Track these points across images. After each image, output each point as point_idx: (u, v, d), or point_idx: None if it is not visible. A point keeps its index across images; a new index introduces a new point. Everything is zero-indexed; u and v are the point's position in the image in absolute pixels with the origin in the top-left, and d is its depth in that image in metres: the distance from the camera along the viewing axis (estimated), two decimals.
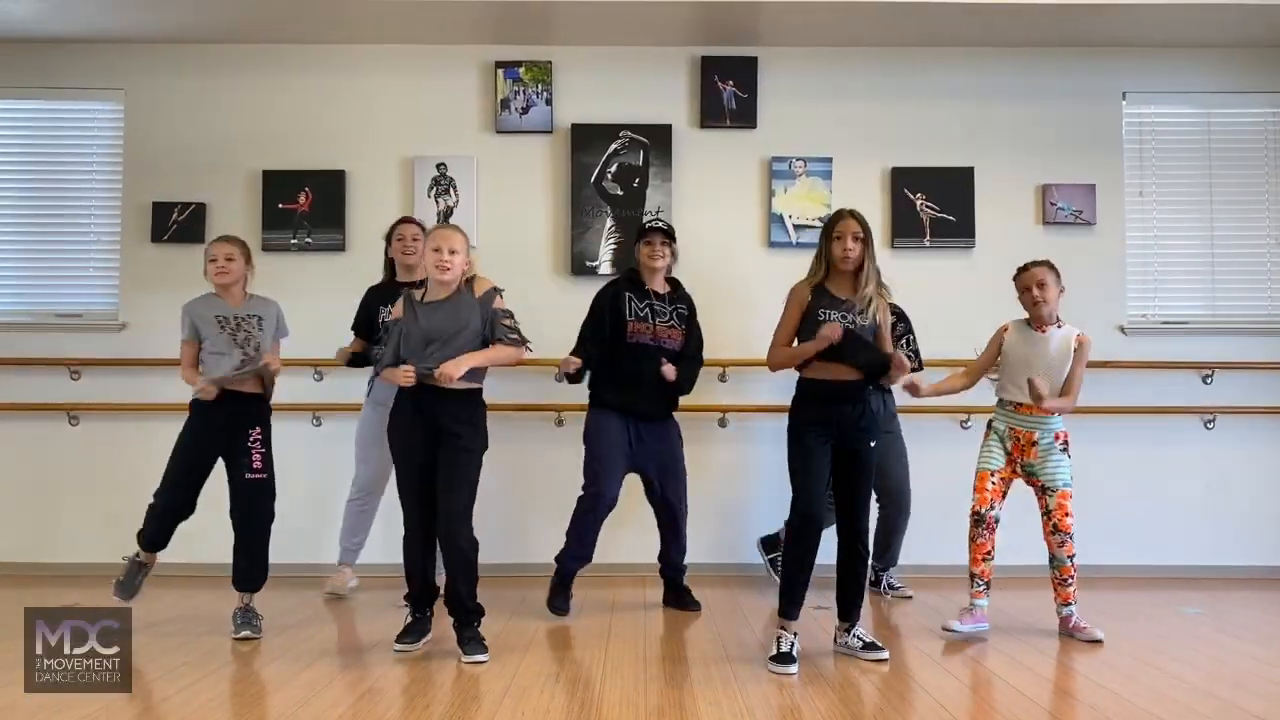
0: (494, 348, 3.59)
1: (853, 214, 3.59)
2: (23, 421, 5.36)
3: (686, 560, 4.55)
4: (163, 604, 4.34)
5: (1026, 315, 4.08)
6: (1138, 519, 5.37)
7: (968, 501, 4.02)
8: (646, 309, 4.38)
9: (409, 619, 3.70)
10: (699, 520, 4.75)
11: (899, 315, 4.63)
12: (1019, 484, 4.06)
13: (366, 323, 4.62)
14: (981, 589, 3.98)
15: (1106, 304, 5.44)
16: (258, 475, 3.90)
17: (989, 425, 4.11)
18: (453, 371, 3.44)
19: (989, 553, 3.98)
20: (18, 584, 4.89)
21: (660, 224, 4.50)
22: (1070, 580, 3.93)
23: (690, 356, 4.46)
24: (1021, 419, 4.00)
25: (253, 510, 3.90)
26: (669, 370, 4.29)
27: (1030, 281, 4.00)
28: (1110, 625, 3.95)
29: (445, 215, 5.40)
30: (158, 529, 3.92)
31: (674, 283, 4.55)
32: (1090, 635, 3.86)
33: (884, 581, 4.78)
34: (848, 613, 3.62)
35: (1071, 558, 3.93)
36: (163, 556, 4.06)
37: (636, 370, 4.31)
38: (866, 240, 3.56)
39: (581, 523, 4.30)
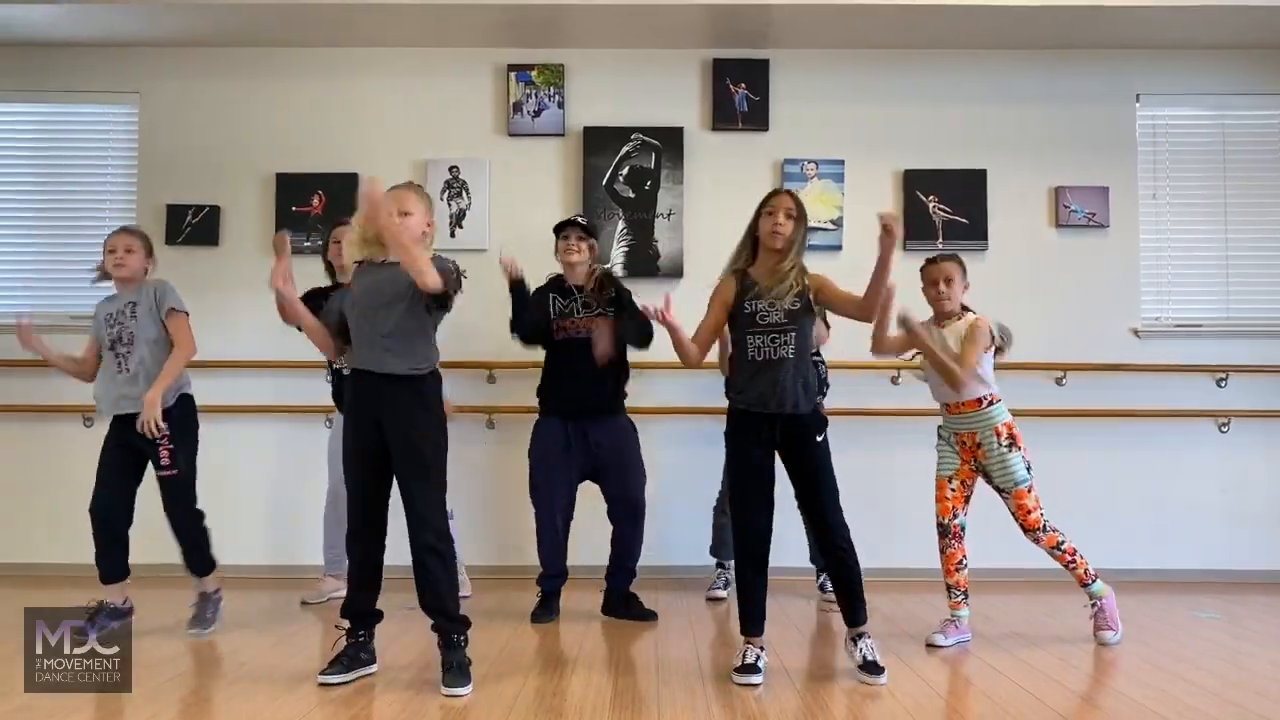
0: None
1: (789, 192, 3.41)
2: (38, 423, 5.40)
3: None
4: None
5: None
6: (1152, 523, 5.34)
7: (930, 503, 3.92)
8: (570, 305, 4.27)
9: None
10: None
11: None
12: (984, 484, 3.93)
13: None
14: (960, 599, 3.87)
15: (1120, 307, 5.42)
16: (168, 472, 3.82)
17: (938, 431, 3.96)
18: None
19: (960, 561, 3.86)
20: (34, 585, 4.92)
21: (577, 219, 4.38)
22: (1074, 562, 3.80)
23: (625, 311, 4.25)
24: (957, 420, 3.83)
25: (169, 506, 3.85)
26: (600, 338, 4.10)
27: (938, 276, 3.86)
28: (1124, 629, 3.91)
29: (457, 218, 5.41)
30: (99, 549, 3.83)
31: (606, 278, 4.36)
32: (1102, 640, 3.81)
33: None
34: (850, 617, 3.38)
35: (1058, 545, 3.78)
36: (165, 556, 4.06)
37: (571, 363, 4.21)
38: (800, 221, 3.33)
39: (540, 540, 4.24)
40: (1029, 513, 3.78)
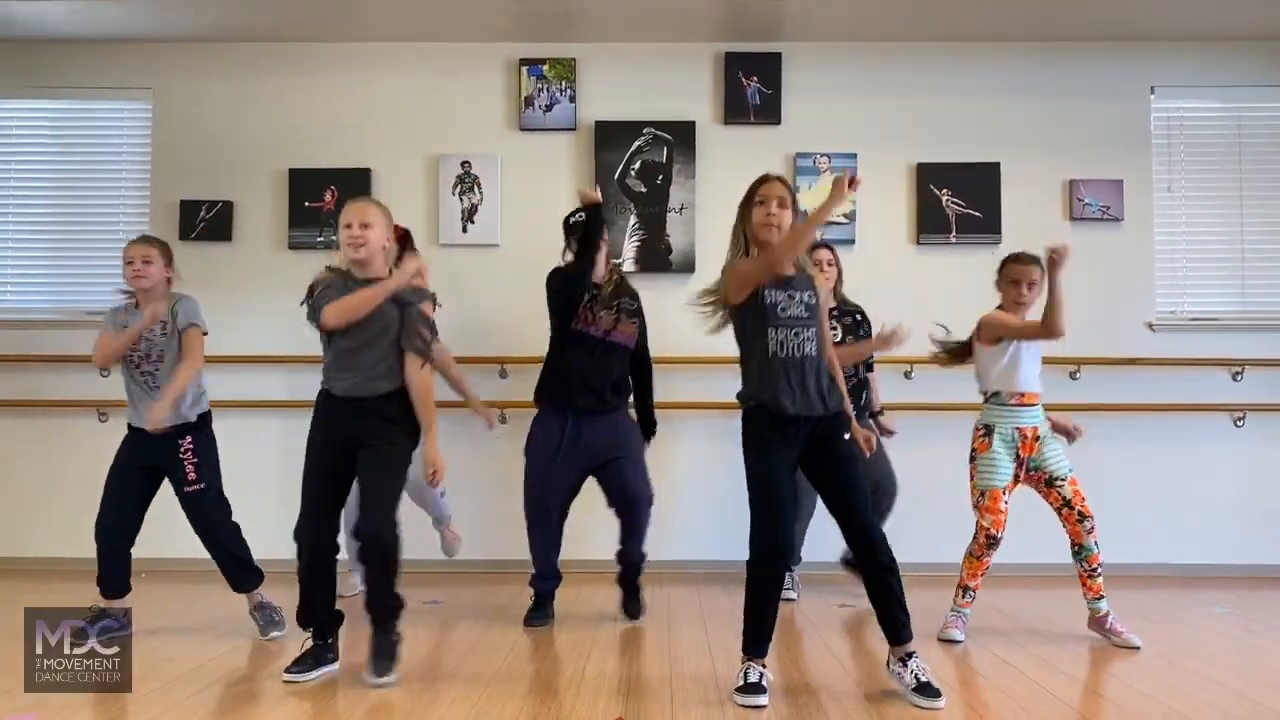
0: None
1: (778, 178, 3.16)
2: (53, 418, 5.43)
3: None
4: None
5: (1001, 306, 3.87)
6: (1167, 518, 5.32)
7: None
8: (592, 302, 4.12)
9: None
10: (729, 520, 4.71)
11: (861, 315, 4.57)
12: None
13: None
14: (972, 600, 3.87)
15: (1134, 301, 5.39)
16: (195, 487, 3.79)
17: (988, 430, 3.82)
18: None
19: (987, 569, 3.86)
20: (49, 578, 4.96)
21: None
22: (1099, 570, 3.77)
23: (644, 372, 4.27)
24: (1023, 413, 3.79)
25: (200, 523, 3.82)
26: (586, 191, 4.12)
27: (1024, 278, 3.79)
28: (1139, 625, 3.90)
29: (469, 213, 5.41)
30: (103, 568, 3.79)
31: (621, 278, 4.30)
32: (1127, 641, 3.71)
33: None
34: (895, 635, 3.05)
35: (1099, 544, 3.76)
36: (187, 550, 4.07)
37: (580, 359, 4.07)
38: (794, 208, 3.12)
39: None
40: (1084, 499, 3.77)
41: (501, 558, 5.08)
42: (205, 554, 3.88)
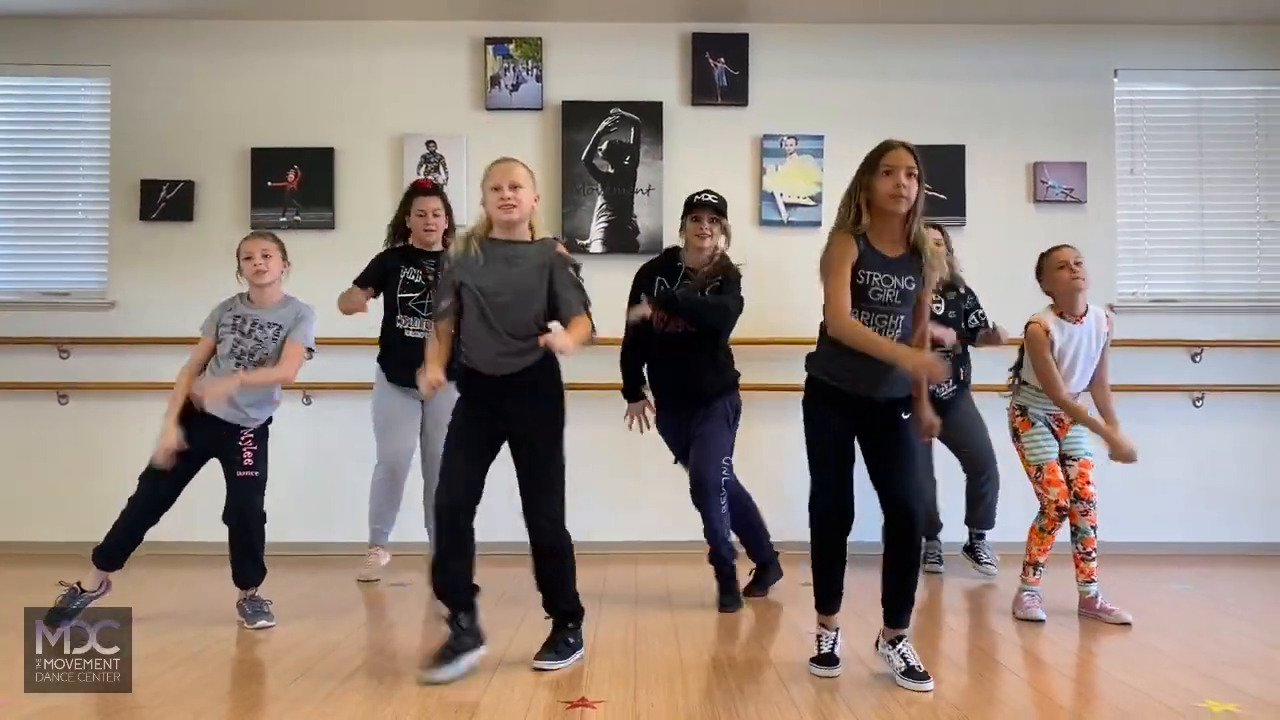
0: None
1: (907, 146, 2.98)
2: (11, 400, 5.34)
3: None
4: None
5: (1054, 304, 3.88)
6: (1127, 496, 5.37)
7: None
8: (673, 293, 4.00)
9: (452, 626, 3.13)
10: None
11: (965, 290, 4.63)
12: (1016, 463, 3.99)
13: (380, 279, 4.37)
14: (1041, 577, 3.91)
15: (1097, 283, 5.33)
16: (249, 473, 3.76)
17: (1025, 413, 3.92)
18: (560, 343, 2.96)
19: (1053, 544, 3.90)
20: (4, 563, 4.89)
21: (709, 197, 4.08)
22: (1093, 554, 3.83)
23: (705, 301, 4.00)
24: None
25: (243, 507, 3.76)
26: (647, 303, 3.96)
27: (1069, 258, 3.79)
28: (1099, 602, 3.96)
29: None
30: (115, 530, 3.74)
31: (727, 269, 4.05)
32: (1119, 617, 3.75)
33: (978, 551, 4.75)
34: (895, 618, 3.03)
35: (1095, 529, 3.83)
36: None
37: (668, 363, 4.03)
38: (921, 179, 2.95)
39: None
40: (1089, 483, 3.85)
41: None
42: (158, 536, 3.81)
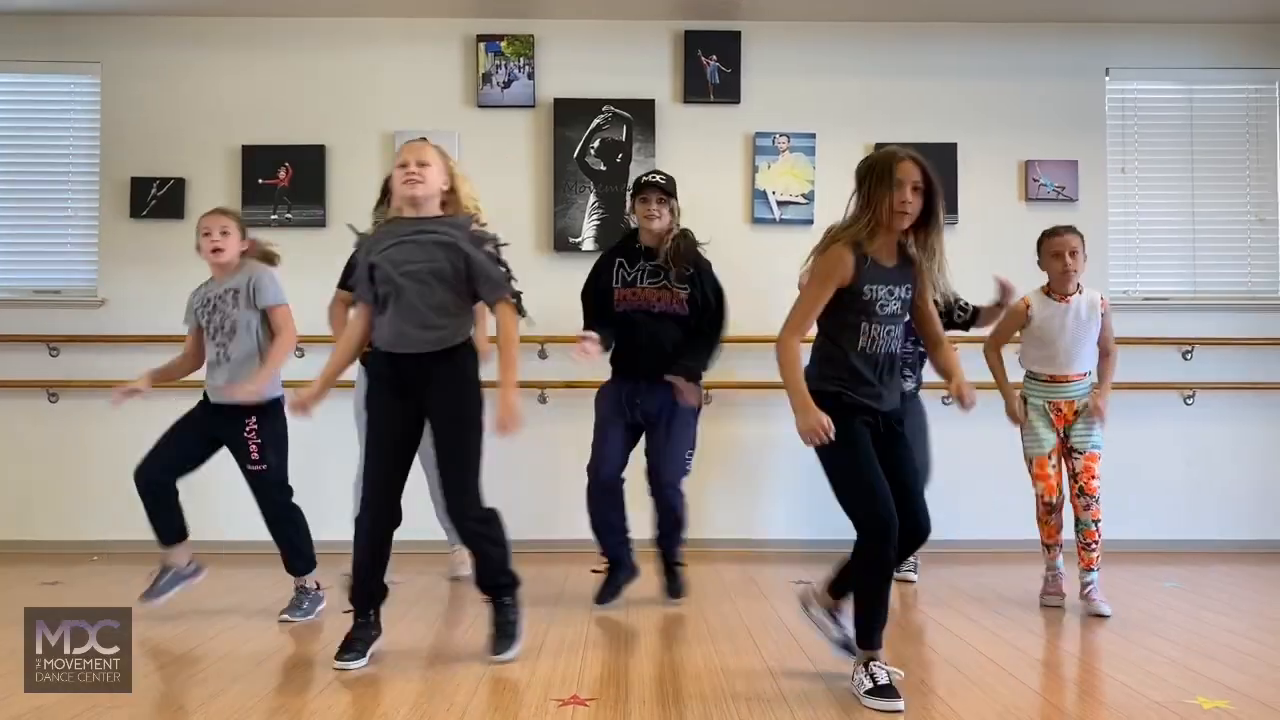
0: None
1: (916, 160, 2.84)
2: (1, 399, 5.32)
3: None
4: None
5: (1046, 284, 3.97)
6: (1118, 494, 5.36)
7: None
8: (635, 273, 4.03)
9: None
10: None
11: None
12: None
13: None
14: (1059, 553, 3.97)
15: (1088, 281, 5.36)
16: (258, 467, 3.74)
17: (1025, 401, 3.98)
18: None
19: (1061, 525, 3.96)
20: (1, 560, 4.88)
21: (656, 179, 4.07)
22: (1094, 545, 3.87)
23: (699, 331, 4.04)
24: (1061, 389, 3.93)
25: (262, 503, 3.77)
26: (686, 391, 3.89)
27: (1063, 248, 3.88)
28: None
29: None
30: (149, 514, 3.72)
31: (684, 246, 4.03)
32: (1096, 609, 3.80)
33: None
34: (872, 639, 2.83)
35: (1097, 522, 3.86)
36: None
37: (632, 339, 3.99)
38: (933, 190, 2.85)
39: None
40: (1094, 477, 3.88)
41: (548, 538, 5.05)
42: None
